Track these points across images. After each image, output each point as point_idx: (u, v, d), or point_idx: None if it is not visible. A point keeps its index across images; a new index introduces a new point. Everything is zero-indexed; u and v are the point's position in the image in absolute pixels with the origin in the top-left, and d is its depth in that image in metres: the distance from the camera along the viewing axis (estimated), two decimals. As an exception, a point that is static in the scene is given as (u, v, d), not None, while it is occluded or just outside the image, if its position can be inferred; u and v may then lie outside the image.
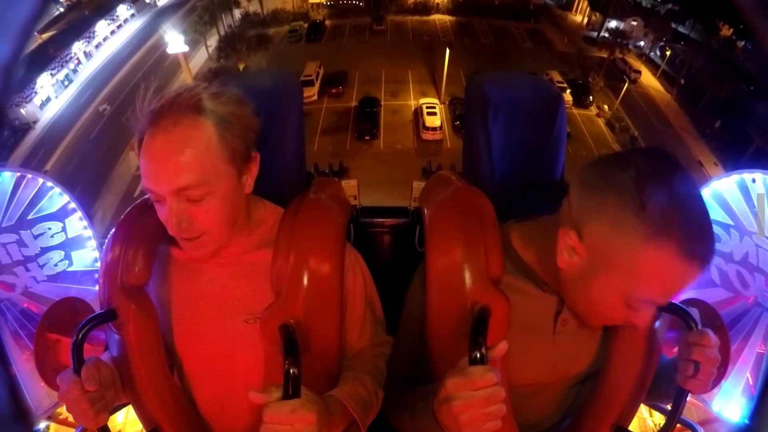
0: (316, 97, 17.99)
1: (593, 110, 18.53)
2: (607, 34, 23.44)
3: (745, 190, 1.30)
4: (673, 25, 23.67)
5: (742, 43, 21.47)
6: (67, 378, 0.70)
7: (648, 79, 21.44)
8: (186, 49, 18.61)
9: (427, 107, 17.13)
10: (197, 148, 0.69)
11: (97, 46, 22.73)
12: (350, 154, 15.76)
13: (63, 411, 1.53)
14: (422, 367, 0.83)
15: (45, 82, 19.25)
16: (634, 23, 23.44)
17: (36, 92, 18.76)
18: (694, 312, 0.74)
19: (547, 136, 0.99)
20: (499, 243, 0.76)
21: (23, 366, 1.32)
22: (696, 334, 0.71)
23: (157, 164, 0.70)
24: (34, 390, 1.34)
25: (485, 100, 0.99)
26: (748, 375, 1.29)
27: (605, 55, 22.14)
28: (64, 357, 1.31)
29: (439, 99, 18.18)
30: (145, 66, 20.63)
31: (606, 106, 18.49)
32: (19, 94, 18.07)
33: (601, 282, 0.66)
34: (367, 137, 16.60)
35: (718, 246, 1.37)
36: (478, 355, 0.62)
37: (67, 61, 20.80)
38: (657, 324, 0.79)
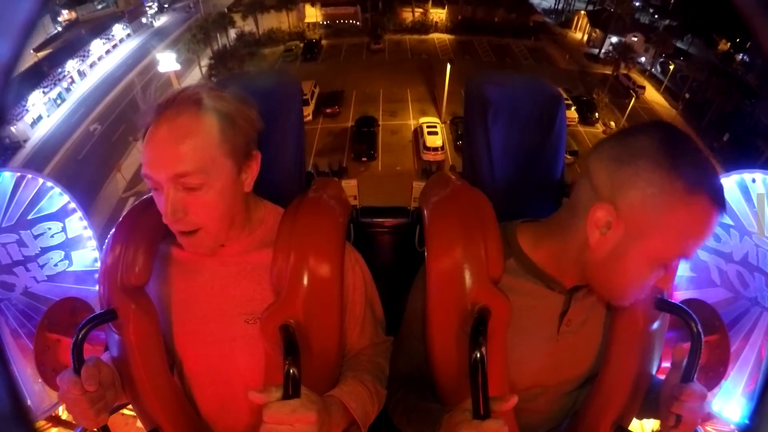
0: (311, 117, 16.79)
1: (599, 127, 17.98)
2: (611, 49, 23.28)
3: (745, 190, 1.29)
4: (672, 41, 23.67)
5: (741, 56, 21.39)
6: (67, 378, 0.70)
7: (652, 94, 21.13)
8: (177, 67, 17.86)
9: (428, 127, 16.06)
10: (197, 139, 0.71)
11: (91, 65, 22.22)
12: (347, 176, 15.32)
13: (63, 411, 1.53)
14: (425, 368, 0.83)
15: (37, 100, 18.64)
16: (635, 39, 23.46)
17: (27, 110, 18.11)
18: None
19: (547, 136, 0.99)
20: (499, 243, 0.76)
21: (23, 366, 1.32)
22: (678, 387, 0.70)
23: (157, 151, 0.71)
24: (34, 390, 1.33)
25: (485, 101, 0.99)
26: (748, 375, 1.29)
27: (608, 72, 21.87)
28: (64, 357, 1.30)
29: (440, 118, 17.30)
30: (137, 86, 19.67)
31: (612, 123, 18.03)
32: (10, 111, 17.80)
33: (637, 251, 0.66)
34: (364, 159, 15.56)
35: (718, 246, 1.37)
36: (479, 355, 0.62)
37: (60, 80, 20.21)
38: (657, 324, 0.79)
